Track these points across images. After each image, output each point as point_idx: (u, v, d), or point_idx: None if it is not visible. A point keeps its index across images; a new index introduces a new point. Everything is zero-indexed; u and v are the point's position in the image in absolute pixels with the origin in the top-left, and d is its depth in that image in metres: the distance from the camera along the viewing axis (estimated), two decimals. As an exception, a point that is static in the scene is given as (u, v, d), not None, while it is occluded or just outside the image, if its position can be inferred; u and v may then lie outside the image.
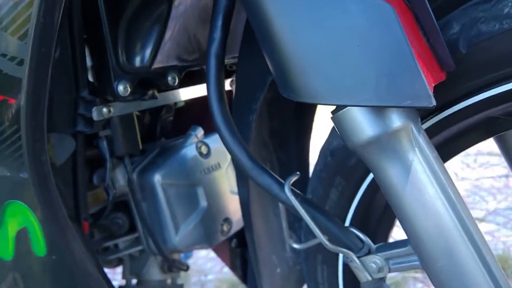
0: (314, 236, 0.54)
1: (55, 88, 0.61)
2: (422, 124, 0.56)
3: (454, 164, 2.50)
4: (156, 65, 0.66)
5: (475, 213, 2.02)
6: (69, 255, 0.67)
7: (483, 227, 1.90)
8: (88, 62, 0.65)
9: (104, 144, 0.72)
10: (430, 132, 0.58)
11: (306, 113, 0.87)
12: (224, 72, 0.83)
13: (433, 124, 0.58)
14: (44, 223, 0.64)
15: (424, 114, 0.57)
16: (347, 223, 0.71)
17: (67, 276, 0.70)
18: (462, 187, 2.27)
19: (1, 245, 0.68)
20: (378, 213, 0.71)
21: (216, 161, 0.87)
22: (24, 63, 0.54)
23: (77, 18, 0.62)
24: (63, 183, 0.68)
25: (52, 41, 0.54)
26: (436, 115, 0.57)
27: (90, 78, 0.66)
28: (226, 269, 1.72)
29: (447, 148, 0.63)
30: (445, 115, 0.57)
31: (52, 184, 0.62)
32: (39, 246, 0.66)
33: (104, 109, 0.66)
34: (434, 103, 0.43)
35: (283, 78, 0.48)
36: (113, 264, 0.92)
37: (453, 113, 0.56)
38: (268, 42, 0.48)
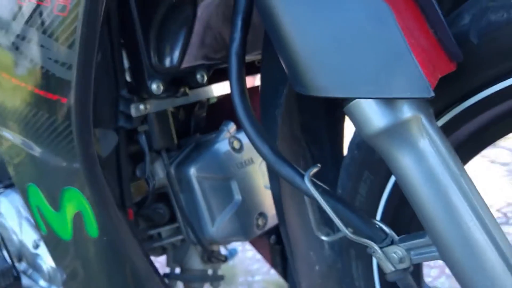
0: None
1: (98, 88, 0.67)
2: (443, 115, 0.57)
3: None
4: (185, 64, 0.71)
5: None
6: (118, 238, 0.73)
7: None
8: (126, 64, 0.71)
9: (143, 138, 0.78)
10: (451, 125, 0.57)
11: (336, 107, 0.85)
12: (254, 67, 0.88)
13: (453, 117, 0.57)
14: (95, 207, 0.71)
15: (442, 106, 0.57)
16: (378, 218, 0.69)
17: (117, 257, 0.76)
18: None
19: (62, 226, 0.76)
20: (411, 208, 0.70)
21: (249, 156, 0.89)
22: (72, 68, 0.61)
23: (115, 26, 0.68)
24: (109, 173, 0.74)
25: (94, 47, 0.61)
26: (455, 106, 0.57)
27: (128, 78, 0.72)
28: (273, 271, 1.73)
29: (471, 143, 0.63)
30: (465, 107, 0.56)
31: (100, 173, 0.69)
32: (92, 228, 0.73)
33: (141, 106, 0.72)
34: (432, 94, 0.44)
35: (293, 74, 0.50)
36: (157, 253, 0.97)
37: (473, 104, 0.55)
38: (279, 41, 0.50)
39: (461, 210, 0.48)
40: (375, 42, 0.45)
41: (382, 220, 0.68)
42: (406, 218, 0.70)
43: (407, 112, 0.48)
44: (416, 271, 0.72)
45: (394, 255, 0.53)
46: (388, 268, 0.54)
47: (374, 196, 0.69)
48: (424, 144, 0.48)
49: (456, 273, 0.50)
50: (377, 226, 0.54)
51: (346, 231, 0.53)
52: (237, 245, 1.05)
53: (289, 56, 0.50)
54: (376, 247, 0.53)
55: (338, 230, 0.73)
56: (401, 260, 0.53)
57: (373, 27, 0.45)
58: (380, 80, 0.45)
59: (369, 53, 0.46)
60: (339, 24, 0.46)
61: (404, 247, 0.53)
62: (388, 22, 0.45)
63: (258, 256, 1.80)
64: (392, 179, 0.67)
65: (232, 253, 1.36)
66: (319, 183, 0.54)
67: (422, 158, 0.48)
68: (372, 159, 0.67)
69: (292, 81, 0.52)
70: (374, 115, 0.48)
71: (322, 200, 0.52)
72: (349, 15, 0.46)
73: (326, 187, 0.55)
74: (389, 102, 0.48)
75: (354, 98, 0.49)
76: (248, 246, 1.87)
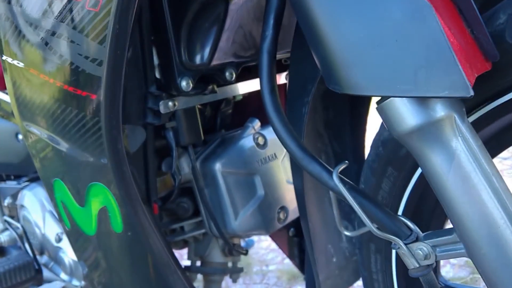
0: (365, 225, 0.54)
1: (128, 84, 0.67)
2: (473, 114, 0.57)
3: None
4: (215, 62, 0.71)
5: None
6: (142, 233, 0.74)
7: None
8: (155, 61, 0.71)
9: (171, 134, 0.78)
10: (481, 123, 0.57)
11: (360, 104, 0.87)
12: (281, 66, 0.88)
13: (483, 114, 0.57)
14: (121, 203, 0.71)
15: (473, 104, 0.57)
16: (399, 214, 0.68)
17: (139, 251, 0.77)
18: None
19: (86, 221, 0.77)
20: (432, 204, 0.71)
21: (273, 152, 0.90)
22: (103, 64, 0.61)
23: (146, 23, 0.68)
24: (136, 169, 0.74)
25: (125, 44, 0.61)
26: (487, 104, 0.57)
27: (157, 75, 0.72)
28: (287, 261, 1.72)
29: (499, 139, 0.63)
30: (495, 105, 0.56)
31: (127, 169, 0.69)
32: (116, 223, 0.74)
33: (170, 103, 0.72)
34: (471, 93, 0.44)
35: (328, 72, 0.50)
36: (179, 246, 0.98)
37: (503, 103, 0.55)
38: (314, 38, 0.50)
39: (492, 208, 0.48)
40: (415, 40, 0.45)
41: (404, 215, 0.68)
42: (426, 214, 0.72)
43: (440, 111, 0.48)
44: (435, 266, 0.74)
45: (419, 251, 0.54)
46: (412, 264, 0.54)
47: (397, 192, 0.70)
48: (457, 143, 0.48)
49: (483, 272, 0.50)
50: (402, 222, 0.54)
51: (372, 227, 0.53)
52: (251, 236, 1.07)
53: (324, 54, 0.50)
54: (401, 243, 0.53)
55: (360, 225, 0.73)
56: (426, 257, 0.54)
57: (413, 24, 0.45)
58: (418, 79, 0.45)
59: (409, 51, 0.45)
60: (378, 21, 0.46)
61: (429, 244, 0.53)
62: (429, 19, 0.45)
63: (273, 246, 1.83)
64: (416, 176, 0.68)
65: (249, 244, 1.38)
66: (346, 180, 0.55)
67: (454, 156, 0.48)
68: (397, 156, 0.68)
69: (326, 79, 0.52)
70: (408, 114, 0.49)
71: (349, 196, 0.53)
72: (389, 12, 0.46)
73: (353, 184, 0.55)
74: (423, 100, 0.48)
75: (389, 97, 0.49)
76: (263, 236, 1.89)
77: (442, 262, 1.60)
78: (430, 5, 0.45)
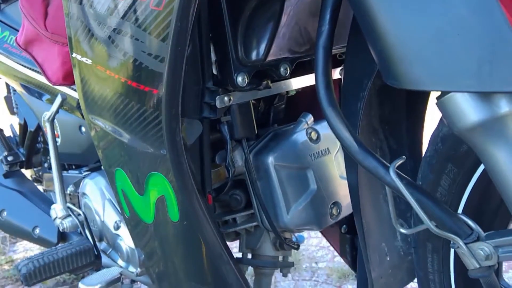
0: (422, 222, 0.54)
1: (186, 80, 0.69)
2: None
3: None
4: (270, 57, 0.73)
5: None
6: (197, 222, 0.76)
7: None
8: (213, 57, 0.72)
9: (225, 128, 0.80)
10: None
11: (418, 100, 0.85)
12: (335, 61, 0.88)
13: None
14: (178, 192, 0.74)
15: None
16: (459, 212, 0.68)
17: (194, 240, 0.79)
18: None
19: (145, 210, 0.81)
20: (495, 203, 0.69)
21: (326, 147, 0.89)
22: (164, 60, 0.64)
23: (204, 20, 0.70)
24: (192, 161, 0.77)
25: (186, 41, 0.64)
26: None
27: (214, 71, 0.73)
28: (337, 258, 1.70)
29: None
30: None
31: (184, 160, 0.72)
32: (173, 212, 0.77)
33: (226, 98, 0.74)
34: None
35: (386, 66, 0.50)
36: (231, 237, 0.99)
37: None
38: (372, 32, 0.50)
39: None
40: (479, 33, 0.44)
41: (464, 213, 0.66)
42: (489, 213, 0.70)
43: (505, 106, 0.47)
44: (496, 268, 0.72)
45: (480, 251, 0.52)
46: (473, 264, 0.53)
47: (457, 189, 0.68)
48: None
49: None
50: (462, 220, 0.53)
51: (430, 225, 0.52)
52: (302, 232, 1.07)
53: (382, 48, 0.50)
54: (461, 242, 0.52)
55: (416, 223, 0.71)
56: (487, 257, 0.52)
57: (476, 17, 0.44)
58: (482, 73, 0.44)
59: (472, 45, 0.44)
60: (439, 15, 0.45)
61: (491, 244, 0.52)
62: (494, 12, 0.44)
63: (323, 243, 1.82)
64: (478, 173, 0.66)
65: (299, 240, 1.38)
66: (404, 175, 0.54)
67: None
68: (458, 152, 0.66)
69: (384, 74, 0.51)
70: (470, 109, 0.48)
71: (407, 192, 0.52)
72: (450, 5, 0.45)
73: (411, 180, 0.55)
74: (486, 96, 0.47)
75: (450, 92, 0.48)
76: (313, 233, 1.88)
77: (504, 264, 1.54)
78: None
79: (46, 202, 1.38)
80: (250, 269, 1.04)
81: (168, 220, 0.78)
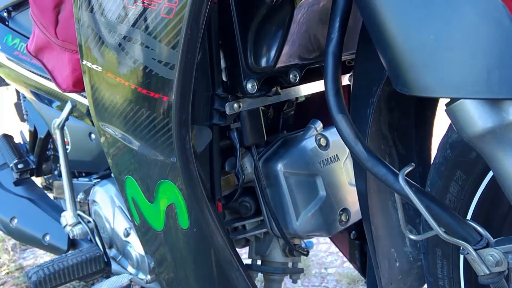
0: (431, 229, 0.54)
1: (196, 87, 0.70)
2: None
3: None
4: (280, 64, 0.73)
5: None
6: (206, 229, 0.76)
7: None
8: (222, 64, 0.73)
9: (235, 135, 0.80)
10: None
11: (427, 107, 0.86)
12: (344, 67, 0.88)
13: None
14: (188, 200, 0.74)
15: None
16: (468, 218, 0.68)
17: (204, 247, 0.79)
18: None
19: (155, 217, 0.81)
20: (504, 209, 0.69)
21: (335, 153, 0.90)
22: (175, 68, 0.64)
23: (214, 28, 0.71)
24: (202, 168, 0.77)
25: (196, 48, 0.64)
26: None
27: (224, 78, 0.74)
28: (347, 264, 1.69)
29: None
30: None
31: (194, 168, 0.72)
32: (183, 219, 0.77)
33: (235, 105, 0.74)
34: None
35: (395, 73, 0.50)
36: (241, 244, 1.00)
37: None
38: (382, 39, 0.51)
39: None
40: (489, 40, 0.44)
41: (473, 220, 0.67)
42: (498, 220, 0.70)
43: None
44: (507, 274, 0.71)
45: (490, 257, 0.52)
46: (483, 270, 0.53)
47: (466, 196, 0.68)
48: None
49: None
50: (471, 227, 0.53)
51: (440, 231, 0.52)
52: (311, 238, 1.07)
53: (392, 55, 0.50)
54: (470, 248, 0.52)
55: (425, 229, 0.71)
56: (497, 263, 0.52)
57: (486, 25, 0.45)
58: (491, 80, 0.44)
59: (481, 52, 0.45)
60: (449, 22, 0.46)
61: (501, 250, 0.52)
62: (503, 19, 0.44)
63: (332, 249, 1.81)
64: (486, 179, 0.66)
65: (308, 246, 1.38)
66: (413, 182, 0.54)
67: None
68: (467, 159, 0.66)
69: (393, 80, 0.52)
70: (479, 116, 0.48)
71: (416, 199, 0.52)
72: (460, 12, 0.45)
73: (420, 187, 0.55)
74: (495, 102, 0.47)
75: (459, 99, 0.48)
76: (322, 239, 1.88)
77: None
78: (504, 5, 0.44)
79: (56, 209, 1.39)
80: (260, 275, 1.04)
81: (178, 227, 0.78)
